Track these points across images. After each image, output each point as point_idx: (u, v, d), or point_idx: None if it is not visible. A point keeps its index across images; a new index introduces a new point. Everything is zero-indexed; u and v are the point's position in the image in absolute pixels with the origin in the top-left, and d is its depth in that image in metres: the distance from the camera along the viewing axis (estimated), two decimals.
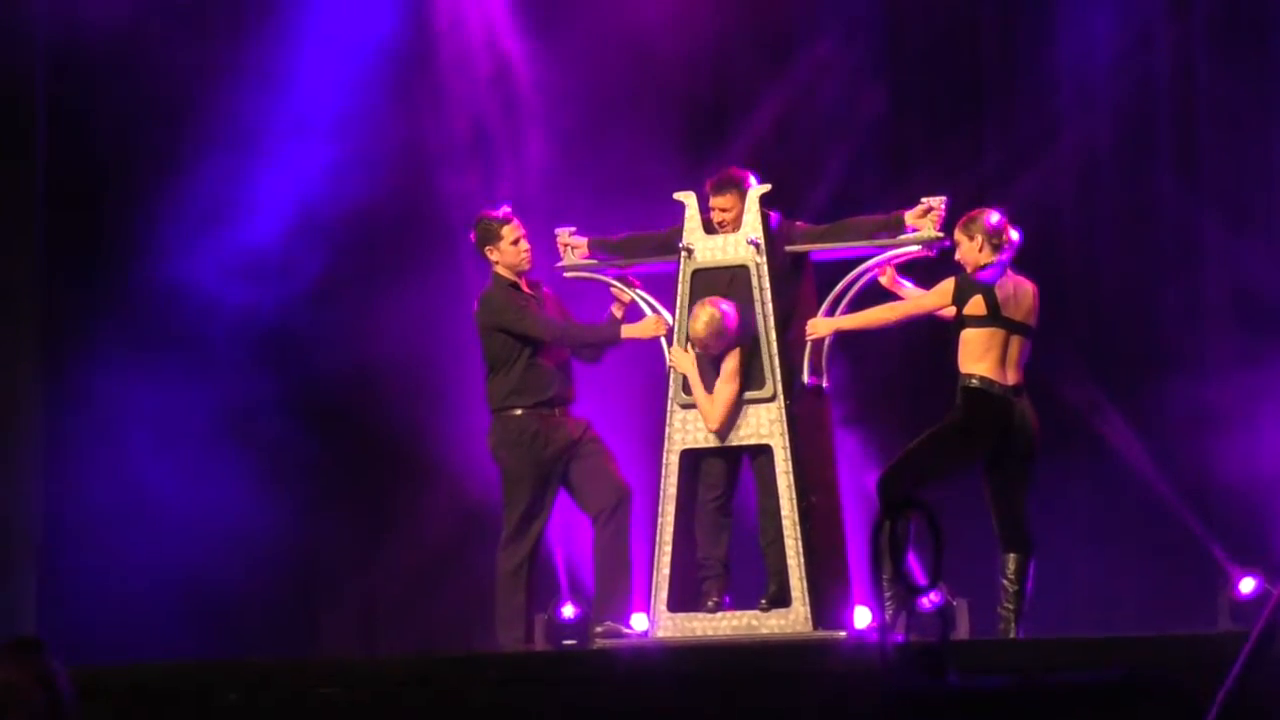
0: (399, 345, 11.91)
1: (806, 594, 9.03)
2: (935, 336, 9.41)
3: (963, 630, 10.04)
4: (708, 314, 9.13)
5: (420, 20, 12.22)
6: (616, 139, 11.70)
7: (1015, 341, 8.94)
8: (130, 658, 9.93)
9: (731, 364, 9.22)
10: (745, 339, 9.22)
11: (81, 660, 7.22)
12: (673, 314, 9.43)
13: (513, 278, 9.67)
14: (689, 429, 9.31)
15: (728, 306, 9.15)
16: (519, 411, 9.57)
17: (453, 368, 11.26)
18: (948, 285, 9.01)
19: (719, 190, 9.33)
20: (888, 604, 8.58)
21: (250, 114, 12.07)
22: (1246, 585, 10.52)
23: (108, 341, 11.88)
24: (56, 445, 11.94)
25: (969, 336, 8.93)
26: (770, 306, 9.23)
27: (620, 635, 9.33)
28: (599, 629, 9.42)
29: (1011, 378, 8.93)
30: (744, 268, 9.27)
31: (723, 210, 9.31)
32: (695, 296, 9.32)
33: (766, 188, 9.32)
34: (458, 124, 12.23)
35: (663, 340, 9.50)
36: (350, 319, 12.05)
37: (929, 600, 9.11)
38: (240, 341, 11.99)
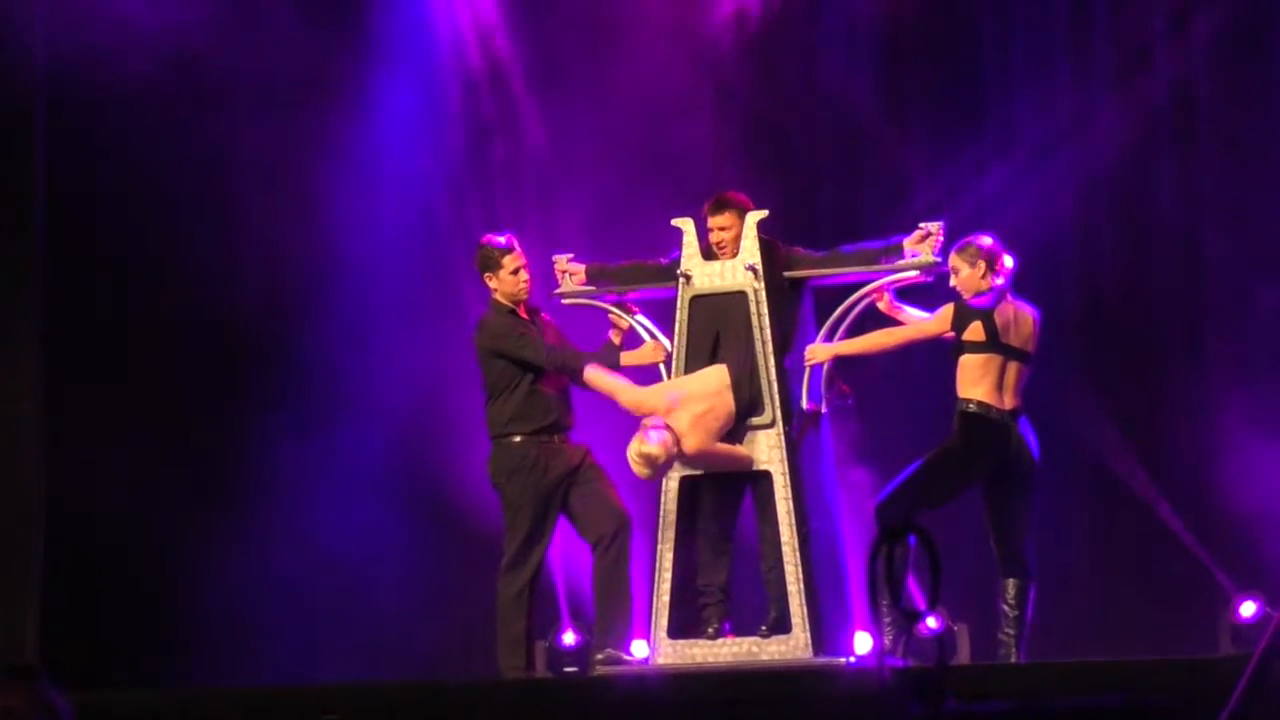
0: (399, 370, 11.93)
1: (807, 620, 9.01)
2: (936, 361, 9.40)
3: (964, 655, 10.03)
4: (636, 454, 8.98)
5: (423, 45, 12.28)
6: (614, 165, 11.70)
7: (1013, 367, 8.95)
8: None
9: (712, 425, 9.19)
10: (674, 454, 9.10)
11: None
12: (671, 340, 9.42)
13: (511, 303, 9.66)
14: None
15: (657, 443, 8.99)
16: (519, 438, 9.55)
17: (452, 395, 11.25)
18: (947, 311, 9.03)
19: (717, 210, 9.32)
20: (887, 630, 8.57)
21: (261, 143, 12.12)
22: (1247, 609, 10.51)
23: (111, 366, 11.93)
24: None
25: (967, 362, 8.95)
26: (769, 332, 9.21)
27: (621, 662, 9.30)
28: (600, 656, 9.39)
29: (1009, 402, 8.94)
30: (742, 293, 9.27)
31: (721, 230, 9.30)
32: (694, 322, 9.31)
33: (764, 213, 9.31)
34: (458, 153, 12.26)
35: (661, 366, 9.50)
36: (351, 343, 12.07)
37: (930, 625, 9.08)
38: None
